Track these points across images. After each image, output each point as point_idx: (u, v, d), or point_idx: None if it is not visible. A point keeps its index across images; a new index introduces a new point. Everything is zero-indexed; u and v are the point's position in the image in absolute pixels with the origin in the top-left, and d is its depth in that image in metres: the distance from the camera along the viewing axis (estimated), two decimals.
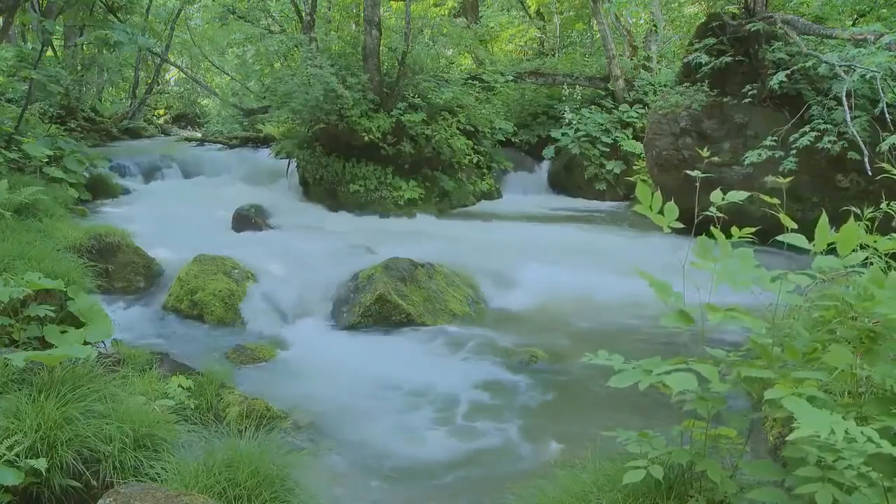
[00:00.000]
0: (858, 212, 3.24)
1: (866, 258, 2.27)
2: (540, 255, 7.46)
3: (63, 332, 3.82)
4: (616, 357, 2.23)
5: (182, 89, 24.03)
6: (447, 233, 8.98)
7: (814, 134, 7.45)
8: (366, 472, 3.61)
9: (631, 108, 12.52)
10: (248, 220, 9.09)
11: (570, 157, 12.28)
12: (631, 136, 12.13)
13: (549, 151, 12.67)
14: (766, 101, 8.32)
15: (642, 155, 10.55)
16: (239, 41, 14.15)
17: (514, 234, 8.90)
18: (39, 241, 5.08)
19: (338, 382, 4.70)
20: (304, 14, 11.78)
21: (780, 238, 2.20)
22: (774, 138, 7.71)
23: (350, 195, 10.54)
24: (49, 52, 12.18)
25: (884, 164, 3.47)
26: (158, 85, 20.83)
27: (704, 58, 8.48)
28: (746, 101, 8.30)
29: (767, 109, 8.32)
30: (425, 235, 8.63)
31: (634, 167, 11.45)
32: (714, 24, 8.91)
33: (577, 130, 12.19)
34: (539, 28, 18.21)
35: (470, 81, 12.74)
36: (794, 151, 7.50)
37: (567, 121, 12.34)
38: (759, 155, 7.68)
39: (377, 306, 5.85)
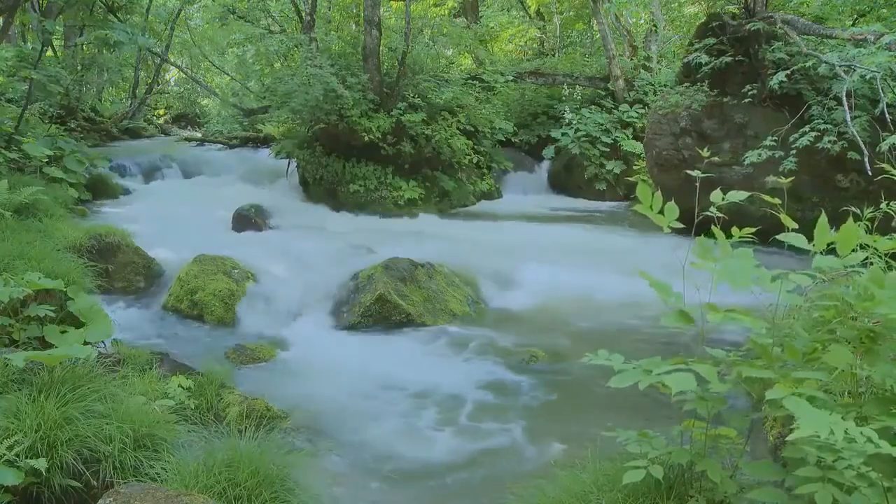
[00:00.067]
0: (858, 212, 3.24)
1: (866, 258, 2.27)
2: (540, 255, 7.46)
3: (63, 332, 3.82)
4: (616, 357, 2.23)
5: (182, 89, 24.04)
6: (447, 233, 8.98)
7: (814, 134, 7.46)
8: (366, 472, 3.61)
9: (631, 108, 12.52)
10: (248, 220, 9.09)
11: (570, 157, 12.28)
12: (631, 136, 12.13)
13: (549, 151, 12.67)
14: (766, 101, 8.32)
15: (642, 155, 10.55)
16: (239, 41, 14.15)
17: (514, 234, 8.90)
18: (39, 241, 5.08)
19: (338, 382, 4.70)
20: (304, 14, 11.78)
21: (779, 238, 2.20)
22: (774, 138, 7.71)
23: (350, 195, 10.54)
24: (49, 52, 12.18)
25: (883, 165, 3.46)
26: (158, 85, 20.83)
27: (704, 58, 8.48)
28: (746, 101, 8.30)
29: (767, 109, 8.32)
30: (425, 235, 8.63)
31: (634, 167, 11.45)
32: (714, 24, 8.91)
33: (577, 130, 12.19)
34: (539, 28, 18.21)
35: (470, 81, 12.74)
36: (794, 151, 7.50)
37: (567, 121, 12.34)
38: (759, 155, 7.68)
39: (377, 306, 5.85)
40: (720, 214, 2.21)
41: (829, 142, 7.32)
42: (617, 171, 11.98)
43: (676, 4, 15.02)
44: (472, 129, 11.66)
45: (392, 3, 14.48)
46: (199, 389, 3.88)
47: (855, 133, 6.84)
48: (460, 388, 4.62)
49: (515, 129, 12.92)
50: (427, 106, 10.87)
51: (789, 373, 1.96)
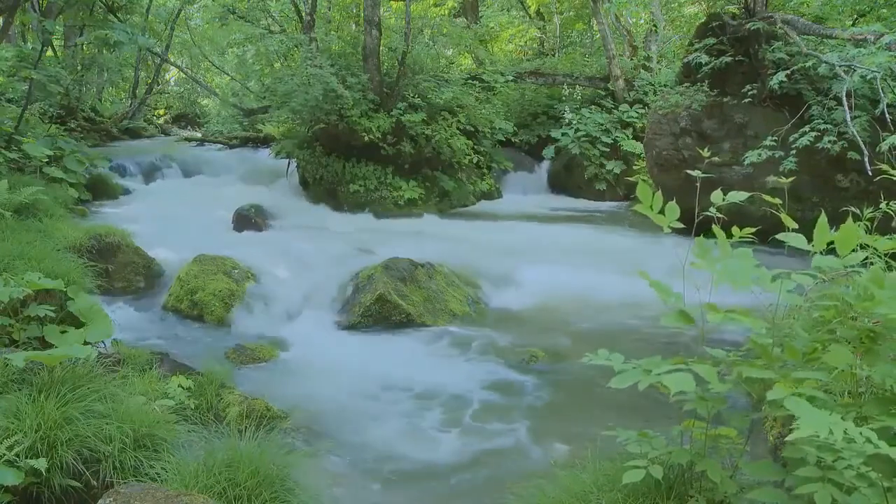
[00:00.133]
0: (858, 212, 3.24)
1: (866, 258, 2.27)
2: (540, 255, 7.46)
3: (63, 332, 3.82)
4: (616, 356, 2.23)
5: (182, 89, 24.04)
6: (447, 233, 8.98)
7: (814, 134, 7.46)
8: (366, 472, 3.61)
9: (631, 108, 12.52)
10: (248, 220, 9.09)
11: (570, 157, 12.28)
12: (631, 136, 12.13)
13: (549, 151, 12.67)
14: (766, 101, 8.32)
15: (642, 155, 10.55)
16: (239, 41, 14.15)
17: (514, 234, 8.89)
18: (39, 241, 5.08)
19: (338, 382, 4.70)
20: (304, 14, 11.78)
21: (779, 238, 2.20)
22: (774, 138, 7.71)
23: (350, 195, 10.54)
24: (49, 52, 12.18)
25: (881, 165, 3.46)
26: (158, 85, 20.84)
27: (704, 58, 8.48)
28: (746, 101, 8.30)
29: (767, 109, 8.32)
30: (425, 235, 8.63)
31: (634, 167, 11.45)
32: (714, 24, 8.91)
33: (577, 130, 12.19)
34: (539, 28, 18.21)
35: (470, 81, 12.74)
36: (794, 151, 7.50)
37: (567, 121, 12.34)
38: (759, 155, 7.68)
39: (377, 306, 5.85)
40: (720, 215, 2.21)
41: (829, 142, 7.32)
42: (617, 171, 11.98)
43: (676, 4, 15.02)
44: (472, 129, 11.66)
45: (392, 3, 14.48)
46: (199, 389, 3.88)
47: (855, 133, 6.84)
48: (461, 388, 4.62)
49: (515, 129, 12.92)
50: (427, 106, 10.87)
51: (789, 373, 1.96)
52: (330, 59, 10.54)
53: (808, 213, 7.43)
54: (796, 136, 7.56)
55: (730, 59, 8.42)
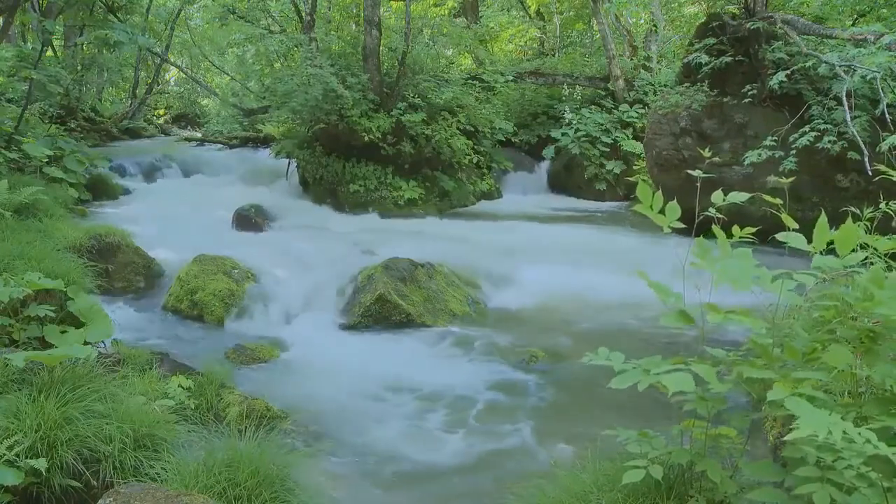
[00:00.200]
0: (858, 212, 3.24)
1: (866, 258, 2.27)
2: (540, 255, 7.46)
3: (63, 332, 3.82)
4: (616, 356, 2.23)
5: (182, 89, 24.05)
6: (447, 233, 8.98)
7: (814, 134, 7.46)
8: (366, 473, 3.61)
9: (631, 108, 12.52)
10: (248, 220, 9.09)
11: (570, 157, 12.28)
12: (631, 136, 12.13)
13: (549, 151, 12.67)
14: (766, 101, 8.32)
15: (642, 155, 10.55)
16: (239, 41, 14.14)
17: (514, 234, 8.89)
18: (39, 241, 5.08)
19: (338, 383, 4.70)
20: (304, 14, 11.78)
21: (778, 237, 2.20)
22: (774, 138, 7.71)
23: (350, 195, 10.54)
24: (49, 52, 12.18)
25: (880, 166, 3.46)
26: (158, 85, 20.84)
27: (704, 58, 8.48)
28: (746, 101, 8.30)
29: (767, 109, 8.33)
30: (425, 235, 8.63)
31: (634, 167, 11.45)
32: (714, 24, 8.91)
33: (577, 130, 12.19)
34: (539, 28, 18.21)
35: (470, 81, 12.74)
36: (794, 151, 7.50)
37: (567, 121, 12.34)
38: (759, 155, 7.68)
39: (377, 306, 5.85)
40: (720, 215, 2.21)
41: (829, 142, 7.32)
42: (617, 171, 11.98)
43: (676, 4, 15.03)
44: (472, 129, 11.66)
45: (392, 3, 14.48)
46: (199, 389, 3.88)
47: (855, 133, 6.84)
48: (461, 388, 4.62)
49: (515, 129, 12.92)
50: (427, 106, 10.87)
51: (789, 373, 1.96)
52: (330, 59, 10.54)
53: (808, 213, 7.43)
54: (796, 136, 7.56)
55: (730, 59, 8.42)
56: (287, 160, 11.68)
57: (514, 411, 4.32)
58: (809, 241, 2.13)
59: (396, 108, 10.62)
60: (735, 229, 2.21)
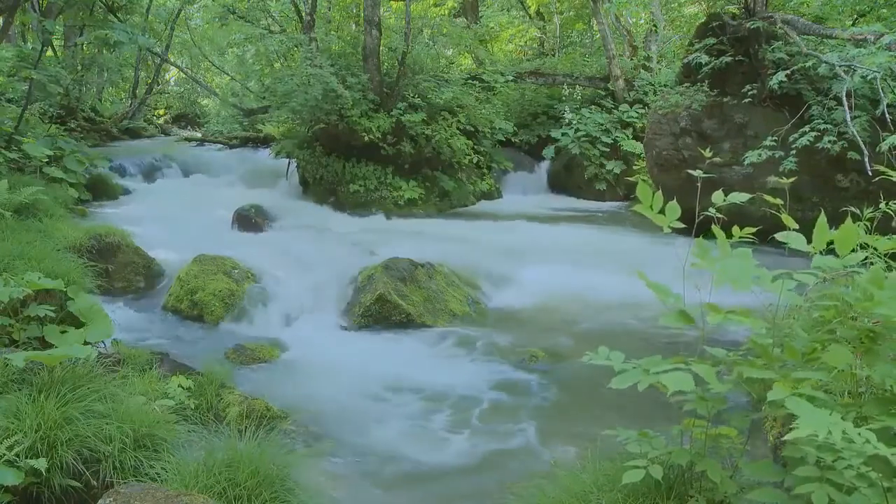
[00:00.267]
0: (858, 212, 3.24)
1: (866, 258, 2.26)
2: (540, 255, 7.46)
3: (63, 332, 3.82)
4: (616, 355, 2.22)
5: (182, 89, 24.06)
6: (447, 233, 8.98)
7: (814, 134, 7.46)
8: (366, 472, 3.61)
9: (631, 108, 12.52)
10: (248, 220, 9.09)
11: (570, 157, 12.28)
12: (631, 136, 12.14)
13: (549, 151, 12.67)
14: (766, 101, 8.32)
15: (642, 155, 10.55)
16: (239, 41, 14.15)
17: (514, 234, 8.89)
18: (39, 241, 5.08)
19: (338, 383, 4.70)
20: (304, 14, 11.78)
21: (778, 237, 2.20)
22: (774, 138, 7.71)
23: (350, 195, 10.54)
24: (49, 52, 12.19)
25: (879, 167, 3.46)
26: (158, 85, 20.84)
27: (704, 58, 8.48)
28: (746, 101, 8.30)
29: (767, 109, 8.33)
30: (425, 235, 8.63)
31: (634, 167, 11.45)
32: (714, 24, 8.91)
33: (577, 130, 12.19)
34: (539, 28, 18.21)
35: (470, 81, 12.74)
36: (793, 151, 7.50)
37: (567, 121, 12.34)
38: (759, 155, 7.69)
39: (377, 306, 5.85)
40: (720, 215, 2.22)
41: (829, 142, 7.32)
42: (617, 171, 11.98)
43: (676, 4, 15.03)
44: (472, 129, 11.66)
45: (392, 3, 14.48)
46: (199, 389, 3.88)
47: (855, 133, 6.84)
48: (461, 387, 4.62)
49: (515, 129, 12.92)
50: (427, 106, 10.87)
51: (789, 373, 1.96)
52: (330, 59, 10.54)
53: (808, 213, 7.42)
54: (796, 136, 7.56)
55: (730, 59, 8.43)
56: (287, 160, 11.69)
57: (516, 411, 4.31)
58: (809, 241, 2.13)
59: (396, 108, 10.62)
60: (735, 229, 2.21)
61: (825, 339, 2.04)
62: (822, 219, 2.05)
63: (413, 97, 10.82)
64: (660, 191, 2.26)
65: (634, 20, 15.93)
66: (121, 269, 6.29)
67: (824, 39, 8.15)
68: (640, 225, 8.59)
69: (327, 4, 14.02)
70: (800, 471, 1.80)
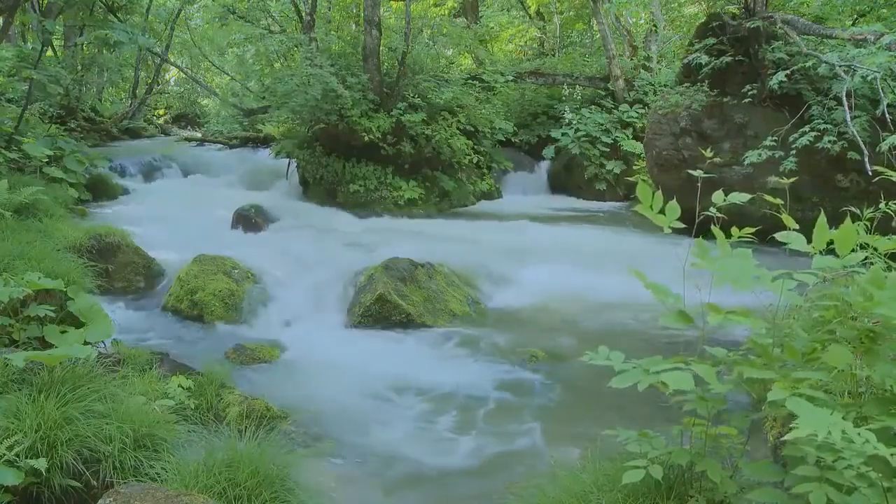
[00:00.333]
0: (858, 212, 3.24)
1: (866, 258, 2.26)
2: (540, 255, 7.46)
3: (63, 332, 3.82)
4: (616, 355, 2.22)
5: (182, 89, 24.07)
6: (447, 233, 8.98)
7: (814, 134, 7.46)
8: (366, 473, 3.60)
9: (631, 108, 12.53)
10: (248, 220, 9.09)
11: (570, 157, 12.29)
12: (631, 136, 12.14)
13: (549, 151, 12.68)
14: (766, 101, 8.33)
15: (642, 155, 10.55)
16: (239, 41, 14.16)
17: (514, 234, 8.90)
18: (39, 241, 5.07)
19: (338, 383, 4.69)
20: (304, 14, 11.79)
21: (778, 237, 2.20)
22: (774, 138, 7.72)
23: (350, 195, 10.54)
24: (49, 52, 12.19)
25: (879, 167, 3.46)
26: (158, 85, 20.85)
27: (704, 58, 8.49)
28: (746, 101, 8.30)
29: (767, 109, 8.33)
30: (425, 235, 8.63)
31: (634, 167, 11.46)
32: (714, 24, 8.91)
33: (577, 130, 12.20)
34: (539, 28, 18.22)
35: (470, 81, 12.75)
36: (793, 151, 7.50)
37: (567, 121, 12.35)
38: (759, 155, 7.69)
39: (377, 306, 5.85)
40: (720, 215, 2.22)
41: (829, 142, 7.33)
42: (617, 171, 11.98)
43: (676, 4, 15.03)
44: (472, 129, 11.66)
45: (392, 3, 14.48)
46: (199, 389, 3.88)
47: (855, 133, 6.84)
48: (462, 388, 4.61)
49: (515, 129, 12.93)
50: (427, 106, 10.87)
51: (789, 373, 1.96)
52: (330, 59, 10.54)
53: (808, 213, 7.42)
54: (796, 136, 7.56)
55: (730, 59, 8.43)
56: (287, 160, 11.69)
57: (518, 412, 4.31)
58: (809, 241, 2.13)
59: (396, 108, 10.62)
60: (735, 229, 2.21)
61: (825, 339, 2.04)
62: (822, 219, 2.05)
63: (413, 97, 10.82)
64: (660, 191, 2.26)
65: (634, 20, 15.93)
66: (121, 269, 6.29)
67: (824, 39, 8.15)
68: (641, 225, 8.59)
69: (327, 4, 14.03)
70: (799, 470, 1.80)
